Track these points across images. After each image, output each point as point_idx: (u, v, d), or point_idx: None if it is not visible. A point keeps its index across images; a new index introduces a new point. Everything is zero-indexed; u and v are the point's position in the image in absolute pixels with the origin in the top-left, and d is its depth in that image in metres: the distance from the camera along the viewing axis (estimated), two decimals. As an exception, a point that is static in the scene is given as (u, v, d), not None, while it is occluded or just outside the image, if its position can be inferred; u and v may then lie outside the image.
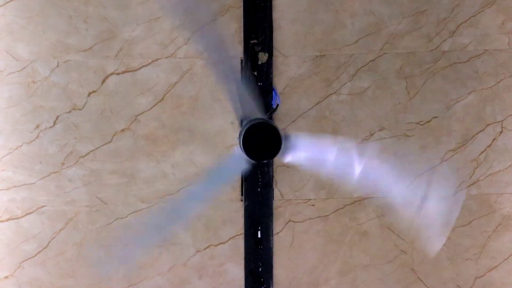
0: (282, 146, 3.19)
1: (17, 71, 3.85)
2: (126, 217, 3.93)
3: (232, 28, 3.88)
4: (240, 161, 3.31)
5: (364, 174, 3.46)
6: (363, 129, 3.96)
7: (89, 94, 3.89)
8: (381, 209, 3.97)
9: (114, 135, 3.90)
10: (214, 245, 3.97)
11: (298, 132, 3.81)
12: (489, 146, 3.96)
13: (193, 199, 3.53)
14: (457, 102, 3.97)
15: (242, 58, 3.85)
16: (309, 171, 3.80)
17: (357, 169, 3.45)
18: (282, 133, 3.24)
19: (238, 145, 3.31)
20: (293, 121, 3.92)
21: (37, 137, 3.87)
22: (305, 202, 3.97)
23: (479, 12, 3.92)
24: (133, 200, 3.92)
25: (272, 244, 3.94)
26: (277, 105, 3.87)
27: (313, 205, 3.97)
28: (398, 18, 3.92)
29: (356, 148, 3.69)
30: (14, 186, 3.88)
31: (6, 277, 3.85)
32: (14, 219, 3.89)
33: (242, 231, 3.95)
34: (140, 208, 3.92)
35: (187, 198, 3.61)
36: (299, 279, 3.98)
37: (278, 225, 3.98)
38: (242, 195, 3.94)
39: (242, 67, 3.83)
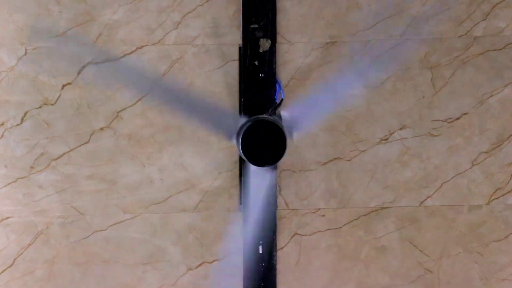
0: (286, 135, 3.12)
1: (-23, 59, 3.60)
2: (106, 229, 3.69)
3: (229, 11, 3.63)
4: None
5: None
6: (381, 127, 3.71)
7: (63, 86, 3.64)
8: (401, 220, 3.74)
9: (92, 134, 3.67)
10: (208, 263, 3.73)
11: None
12: (529, 147, 3.72)
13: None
14: (491, 96, 3.71)
15: (241, 46, 3.60)
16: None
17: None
18: (285, 130, 3.15)
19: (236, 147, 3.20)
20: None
21: (1, 137, 3.64)
22: (314, 212, 3.74)
23: (518, -10, 3.68)
24: (114, 210, 3.69)
25: (276, 261, 3.69)
26: (281, 99, 3.60)
27: (323, 215, 3.74)
28: (422, -2, 3.66)
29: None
30: (-25, 194, 3.65)
31: (-35, 300, 3.66)
32: (-25, 232, 3.66)
33: (241, 246, 3.69)
34: (122, 219, 3.69)
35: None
36: (306, 301, 3.77)
37: (282, 239, 3.75)
38: (240, 204, 3.68)
39: (240, 55, 3.60)
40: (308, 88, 3.68)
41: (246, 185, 3.53)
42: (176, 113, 3.53)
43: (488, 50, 3.70)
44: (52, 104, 3.65)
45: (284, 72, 3.70)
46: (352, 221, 3.77)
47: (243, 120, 3.38)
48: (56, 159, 3.67)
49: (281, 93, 3.64)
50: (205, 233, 3.73)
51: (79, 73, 3.65)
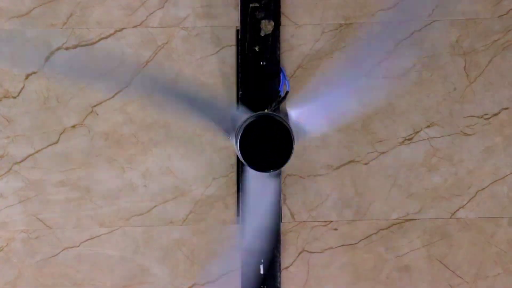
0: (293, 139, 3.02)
1: None
2: (79, 246, 3.63)
3: (225, -13, 3.60)
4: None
5: None
6: (405, 125, 3.64)
7: (27, 76, 3.59)
8: (429, 235, 3.66)
9: (62, 133, 3.60)
10: (200, 285, 3.67)
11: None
12: None
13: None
14: (537, 87, 3.67)
15: (239, 29, 3.53)
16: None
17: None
18: (292, 129, 3.03)
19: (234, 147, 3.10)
20: (308, 114, 3.69)
21: (-47, 136, 3.55)
22: (325, 225, 3.68)
23: None
24: (88, 222, 3.62)
25: (280, 283, 3.63)
26: (286, 92, 3.51)
27: (335, 229, 3.68)
28: (453, -29, 3.67)
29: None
30: None
31: None
32: None
33: (238, 264, 3.60)
34: (98, 233, 3.63)
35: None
36: (316, 331, 3.83)
37: (287, 257, 3.69)
38: (238, 215, 3.64)
39: (237, 40, 3.54)
40: (317, 79, 3.60)
41: (245, 194, 3.39)
42: (163, 106, 3.47)
43: (532, 33, 3.61)
44: (14, 97, 3.58)
45: (290, 60, 3.64)
46: (370, 235, 3.72)
47: (241, 113, 3.25)
48: (19, 162, 3.61)
49: (286, 84, 3.57)
50: (196, 249, 3.67)
51: (46, 60, 3.57)
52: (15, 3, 3.50)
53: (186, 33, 3.55)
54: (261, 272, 3.57)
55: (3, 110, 3.54)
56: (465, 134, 3.67)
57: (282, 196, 3.63)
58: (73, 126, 3.60)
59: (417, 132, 3.66)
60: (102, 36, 3.57)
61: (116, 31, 3.57)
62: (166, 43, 3.58)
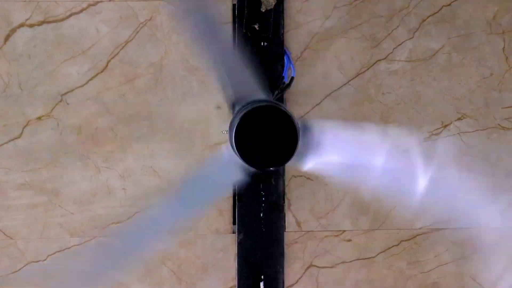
0: (299, 144, 2.85)
1: None
2: (45, 259, 3.47)
3: (219, -46, 3.44)
4: (231, 169, 3.00)
5: (430, 192, 3.13)
6: (432, 117, 3.52)
7: None
8: (460, 247, 3.55)
9: (25, 126, 3.44)
10: None
11: (324, 119, 3.49)
12: None
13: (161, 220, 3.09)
14: None
15: (235, 3, 3.41)
16: (341, 186, 3.55)
17: (421, 183, 3.15)
18: (298, 122, 2.87)
19: (228, 143, 2.92)
20: (317, 104, 3.52)
21: None
22: (337, 236, 3.56)
23: None
24: (56, 232, 3.45)
25: None
26: (291, 78, 3.42)
27: (349, 240, 3.56)
28: None
29: (418, 147, 3.56)
30: None
31: None
32: None
33: (234, 282, 3.48)
34: (68, 244, 3.47)
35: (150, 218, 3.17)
36: None
37: (292, 273, 3.56)
38: (234, 223, 3.50)
39: (234, 17, 3.42)
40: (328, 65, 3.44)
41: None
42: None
43: None
44: (-33, 83, 3.51)
45: (296, 40, 3.52)
46: (390, 248, 3.60)
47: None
48: (-25, 160, 3.52)
49: (291, 68, 3.47)
50: (184, 264, 3.54)
51: (6, 39, 3.41)
52: (-31, -29, 3.30)
53: (174, 7, 3.38)
54: (261, 290, 3.51)
55: (-46, 98, 3.38)
56: (504, 128, 3.53)
57: (286, 201, 3.47)
58: (39, 118, 3.42)
59: (445, 126, 3.51)
60: (73, 11, 3.37)
61: (89, 5, 3.38)
62: (149, 19, 3.41)
